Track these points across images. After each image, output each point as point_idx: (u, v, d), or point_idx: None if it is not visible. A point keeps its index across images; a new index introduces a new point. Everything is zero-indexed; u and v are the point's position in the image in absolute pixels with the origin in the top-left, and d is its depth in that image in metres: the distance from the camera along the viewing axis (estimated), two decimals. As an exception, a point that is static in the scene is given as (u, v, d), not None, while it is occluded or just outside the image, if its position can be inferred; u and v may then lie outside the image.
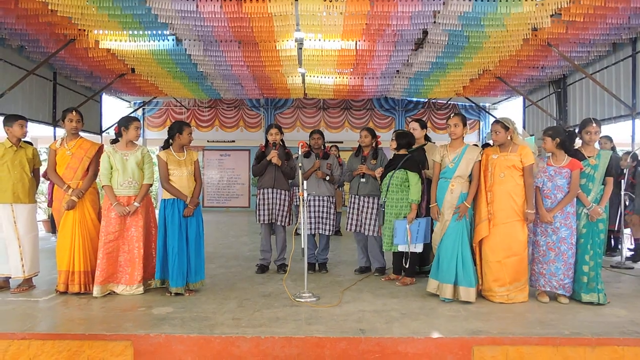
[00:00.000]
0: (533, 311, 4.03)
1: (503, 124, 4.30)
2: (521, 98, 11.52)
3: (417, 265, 5.09)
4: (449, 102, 13.81)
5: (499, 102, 13.12)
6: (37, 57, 8.19)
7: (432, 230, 4.63)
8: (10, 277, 4.56)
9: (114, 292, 4.45)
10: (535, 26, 6.55)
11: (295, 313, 3.92)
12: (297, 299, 4.27)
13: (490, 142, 4.93)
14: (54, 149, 4.59)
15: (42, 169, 5.10)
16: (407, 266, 4.78)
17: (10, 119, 4.61)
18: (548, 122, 9.87)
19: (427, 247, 4.89)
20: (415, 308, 4.09)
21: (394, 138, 4.99)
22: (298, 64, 8.72)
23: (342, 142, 13.20)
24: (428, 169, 4.99)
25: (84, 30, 7.10)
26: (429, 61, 8.26)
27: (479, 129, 14.41)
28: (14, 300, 4.26)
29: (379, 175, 5.07)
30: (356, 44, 7.67)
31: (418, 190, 4.75)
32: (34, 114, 8.85)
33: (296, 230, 5.04)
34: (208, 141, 14.21)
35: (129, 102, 13.57)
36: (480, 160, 4.39)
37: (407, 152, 4.94)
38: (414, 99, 13.47)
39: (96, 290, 4.33)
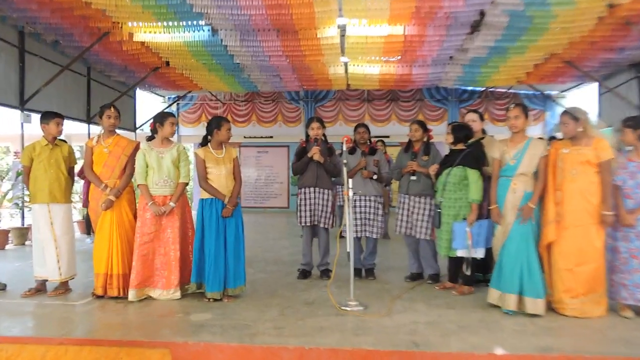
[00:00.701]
0: (614, 327, 3.84)
1: (572, 115, 4.14)
2: (595, 84, 11.01)
3: (480, 273, 4.96)
4: (509, 91, 13.40)
5: (568, 89, 12.59)
6: (71, 52, 8.59)
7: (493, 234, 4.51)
8: (47, 280, 4.79)
9: (151, 296, 4.58)
10: (612, 2, 6.23)
11: (341, 323, 3.91)
12: (342, 308, 4.26)
13: (557, 134, 4.75)
14: (91, 146, 4.78)
15: (77, 168, 5.32)
16: (468, 273, 4.67)
17: (47, 117, 4.84)
18: (628, 112, 9.37)
19: (489, 252, 4.76)
20: (475, 320, 3.99)
21: (449, 131, 4.88)
22: (340, 53, 8.71)
23: (388, 137, 13.07)
24: (487, 165, 4.86)
25: (118, 22, 7.37)
26: (486, 46, 8.04)
27: (544, 120, 13.90)
28: (51, 303, 4.48)
29: (433, 173, 4.98)
30: (404, 29, 7.56)
31: (479, 189, 4.62)
32: (68, 110, 9.27)
33: (341, 232, 5.03)
34: (245, 137, 14.45)
35: (163, 97, 14.00)
36: (546, 155, 4.23)
37: (465, 147, 4.82)
38: (469, 88, 13.16)
39: (132, 295, 4.47)
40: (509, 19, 6.90)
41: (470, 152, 4.75)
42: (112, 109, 4.81)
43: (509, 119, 4.35)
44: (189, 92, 13.28)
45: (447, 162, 4.83)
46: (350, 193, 4.47)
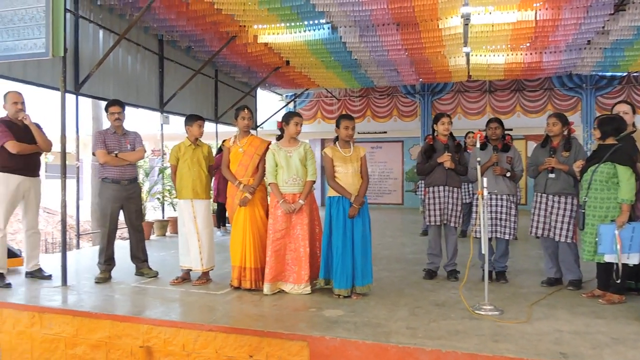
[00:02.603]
0: None
1: None
2: None
3: (632, 281, 4.55)
4: (657, 75, 12.01)
5: None
6: (202, 56, 9.36)
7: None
8: (191, 270, 5.27)
9: (283, 290, 4.83)
10: None
11: (477, 327, 3.82)
12: (476, 311, 4.15)
13: None
14: (228, 146, 5.15)
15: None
16: (618, 281, 4.29)
17: (190, 119, 5.31)
18: None
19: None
20: (630, 333, 3.67)
21: (596, 126, 4.50)
22: (463, 43, 8.44)
23: (511, 130, 12.37)
24: (639, 162, 4.42)
25: (245, 26, 7.88)
26: (633, 26, 7.35)
27: (703, 107, 12.25)
28: (196, 292, 4.91)
29: (578, 170, 4.63)
30: (536, 14, 7.15)
31: (631, 188, 4.21)
32: (199, 111, 10.06)
33: (472, 233, 4.91)
34: (359, 133, 14.53)
35: (281, 95, 14.60)
36: None
37: (616, 142, 4.41)
38: (608, 74, 12.01)
39: (266, 288, 4.75)
40: (663, -6, 6.22)
41: (621, 148, 4.33)
42: (246, 110, 5.10)
43: (675, 111, 3.92)
44: (306, 89, 13.69)
45: (594, 158, 4.46)
46: (485, 192, 4.32)
